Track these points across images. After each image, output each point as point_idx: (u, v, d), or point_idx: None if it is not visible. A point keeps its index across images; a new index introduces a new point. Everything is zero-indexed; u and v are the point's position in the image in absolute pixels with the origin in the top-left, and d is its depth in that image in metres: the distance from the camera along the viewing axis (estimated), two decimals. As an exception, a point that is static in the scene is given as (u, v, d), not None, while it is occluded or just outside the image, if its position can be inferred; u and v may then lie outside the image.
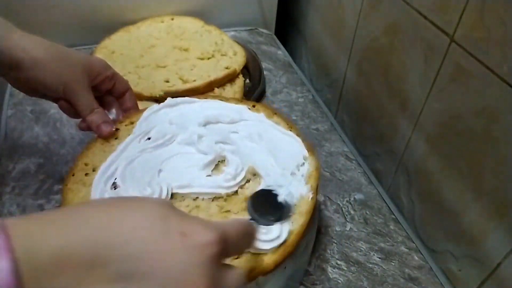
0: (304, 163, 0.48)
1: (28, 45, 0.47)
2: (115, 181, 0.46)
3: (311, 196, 0.44)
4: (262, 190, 0.44)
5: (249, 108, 0.55)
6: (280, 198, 0.43)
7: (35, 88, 0.49)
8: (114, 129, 0.51)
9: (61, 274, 0.23)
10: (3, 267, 0.21)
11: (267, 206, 0.42)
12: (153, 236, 0.26)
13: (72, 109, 0.51)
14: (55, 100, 0.51)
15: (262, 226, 0.39)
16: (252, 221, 0.37)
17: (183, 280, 0.26)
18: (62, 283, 0.23)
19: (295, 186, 0.46)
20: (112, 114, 0.54)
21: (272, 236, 0.40)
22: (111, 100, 0.54)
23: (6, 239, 0.22)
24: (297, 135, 0.51)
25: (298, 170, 0.47)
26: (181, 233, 0.27)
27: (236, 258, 0.39)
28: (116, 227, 0.26)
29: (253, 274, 0.39)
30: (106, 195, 0.44)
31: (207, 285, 0.26)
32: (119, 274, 0.24)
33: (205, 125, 0.52)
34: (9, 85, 0.74)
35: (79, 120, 0.52)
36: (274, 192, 0.43)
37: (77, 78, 0.48)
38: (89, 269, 0.24)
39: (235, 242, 0.30)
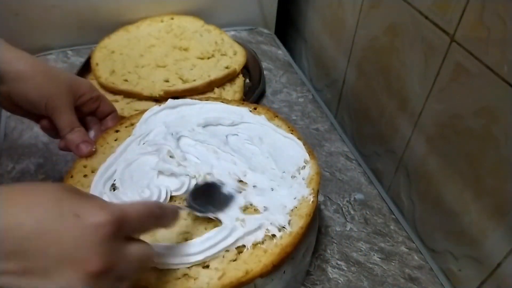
0: (305, 166, 0.48)
1: (13, 58, 0.46)
2: (114, 182, 0.46)
3: (312, 199, 0.44)
4: (207, 183, 0.45)
5: (250, 111, 0.55)
6: (224, 190, 0.44)
7: (17, 103, 0.47)
8: (93, 149, 0.49)
9: None
10: None
11: (211, 197, 0.43)
12: (47, 217, 0.27)
13: (54, 129, 0.49)
14: (38, 119, 0.50)
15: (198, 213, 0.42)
16: (187, 208, 0.41)
17: (77, 258, 0.27)
18: None
19: (296, 188, 0.46)
20: (91, 134, 0.52)
21: None
22: (92, 121, 0.53)
23: None
24: (298, 138, 0.51)
25: (299, 173, 0.48)
26: (75, 214, 0.28)
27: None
28: (10, 210, 0.27)
29: (250, 276, 0.39)
30: (105, 197, 0.44)
31: (101, 262, 0.28)
32: (12, 252, 0.26)
33: (205, 126, 0.52)
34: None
35: (61, 143, 0.50)
36: (218, 184, 0.44)
37: (60, 94, 0.47)
38: None
39: (136, 222, 0.31)
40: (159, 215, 0.34)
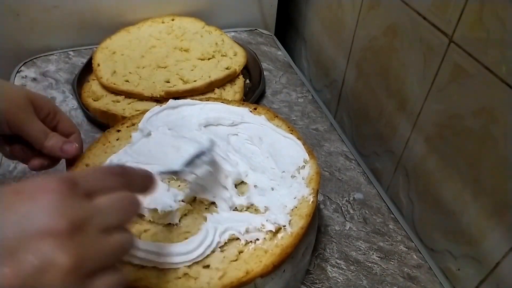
0: (304, 166, 0.48)
1: None
2: None
3: (311, 199, 0.45)
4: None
5: (250, 111, 0.55)
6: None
7: None
8: (76, 146, 0.47)
9: None
10: None
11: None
12: None
13: (25, 149, 0.46)
14: (6, 143, 0.47)
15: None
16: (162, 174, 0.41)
17: (37, 228, 0.25)
18: None
19: (295, 188, 0.46)
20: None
21: None
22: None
23: None
24: (298, 138, 0.51)
25: (299, 173, 0.48)
26: (17, 191, 0.26)
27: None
28: None
29: (251, 276, 0.39)
30: None
31: (64, 218, 0.25)
32: None
33: (206, 126, 0.52)
34: (10, 85, 0.74)
35: (34, 161, 0.47)
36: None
37: (21, 107, 0.44)
38: None
39: (91, 178, 0.29)
40: (119, 172, 0.31)
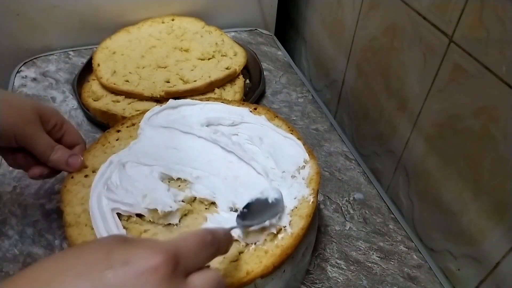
0: (304, 166, 0.48)
1: None
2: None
3: (312, 199, 0.45)
4: (252, 201, 0.43)
5: (250, 111, 0.55)
6: (270, 199, 0.42)
7: None
8: (82, 159, 0.48)
9: None
10: None
11: (259, 211, 0.42)
12: (98, 278, 0.26)
13: (29, 159, 0.47)
14: (10, 152, 0.47)
15: (251, 228, 0.41)
16: (235, 228, 0.38)
17: None
18: None
19: (296, 188, 0.46)
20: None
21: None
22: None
23: None
24: (298, 138, 0.51)
25: (299, 173, 0.48)
26: (124, 262, 0.26)
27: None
28: (63, 280, 0.25)
29: (251, 276, 0.39)
30: (103, 197, 0.44)
31: None
32: None
33: (207, 126, 0.52)
34: (10, 85, 0.74)
35: (34, 169, 0.47)
36: (261, 197, 0.43)
37: (29, 122, 0.44)
38: None
39: (191, 255, 0.29)
40: (212, 242, 0.31)
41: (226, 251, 0.33)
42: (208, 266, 0.32)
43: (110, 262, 0.26)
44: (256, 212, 0.41)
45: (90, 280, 0.25)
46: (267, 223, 0.42)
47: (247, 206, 0.42)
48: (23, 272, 0.26)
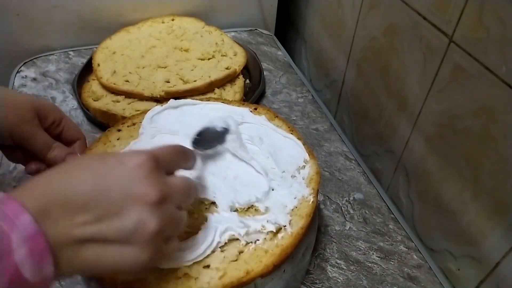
0: (304, 166, 0.48)
1: None
2: None
3: (312, 199, 0.45)
4: (202, 129, 0.48)
5: (250, 111, 0.55)
6: (218, 128, 0.48)
7: None
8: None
9: (64, 214, 0.29)
10: (26, 220, 0.27)
11: (210, 137, 0.48)
12: (99, 172, 0.32)
13: (27, 155, 0.47)
14: (9, 150, 0.47)
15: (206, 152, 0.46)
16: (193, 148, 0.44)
17: (136, 193, 0.31)
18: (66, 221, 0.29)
19: (296, 188, 0.46)
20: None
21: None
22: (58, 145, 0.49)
23: (17, 203, 0.28)
24: (298, 138, 0.51)
25: (299, 173, 0.48)
26: (118, 162, 0.33)
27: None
28: (71, 175, 0.32)
29: (251, 276, 0.39)
30: None
31: (156, 191, 0.32)
32: (84, 206, 0.30)
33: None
34: (10, 85, 0.74)
35: (31, 165, 0.48)
36: (210, 126, 0.48)
37: (26, 120, 0.44)
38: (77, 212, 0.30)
39: (168, 157, 0.36)
40: (182, 151, 0.39)
41: (191, 167, 0.40)
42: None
43: (106, 164, 0.33)
44: (207, 139, 0.47)
45: (94, 173, 0.32)
46: (219, 148, 0.47)
47: (199, 134, 0.47)
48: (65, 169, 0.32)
